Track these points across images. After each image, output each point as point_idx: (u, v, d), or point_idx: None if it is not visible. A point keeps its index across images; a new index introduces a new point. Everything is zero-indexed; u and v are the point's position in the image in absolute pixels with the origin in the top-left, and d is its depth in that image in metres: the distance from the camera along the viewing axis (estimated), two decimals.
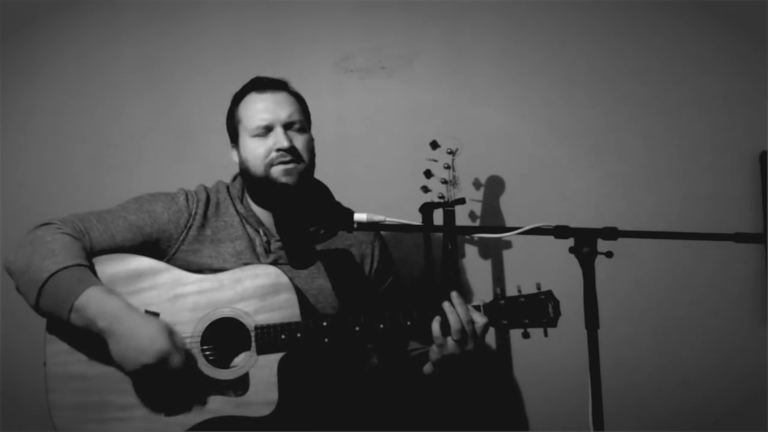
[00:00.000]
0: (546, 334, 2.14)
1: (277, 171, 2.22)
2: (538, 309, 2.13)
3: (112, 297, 2.02)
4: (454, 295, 2.12)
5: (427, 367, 2.20)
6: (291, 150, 2.22)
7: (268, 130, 2.23)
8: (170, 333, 2.02)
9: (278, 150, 2.21)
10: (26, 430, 2.73)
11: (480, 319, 2.11)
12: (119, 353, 2.00)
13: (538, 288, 2.15)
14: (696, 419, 2.87)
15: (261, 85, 2.29)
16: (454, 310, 2.09)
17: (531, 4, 2.94)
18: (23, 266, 2.04)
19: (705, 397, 2.89)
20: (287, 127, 2.24)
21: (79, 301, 1.99)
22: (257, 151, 2.23)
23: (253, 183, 2.27)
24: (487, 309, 2.14)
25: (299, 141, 2.25)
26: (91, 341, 2.04)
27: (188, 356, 2.06)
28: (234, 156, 2.33)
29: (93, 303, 1.99)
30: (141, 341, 1.98)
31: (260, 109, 2.25)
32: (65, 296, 2.00)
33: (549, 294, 2.14)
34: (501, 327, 2.15)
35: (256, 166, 2.24)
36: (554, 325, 2.13)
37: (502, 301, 2.14)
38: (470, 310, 2.11)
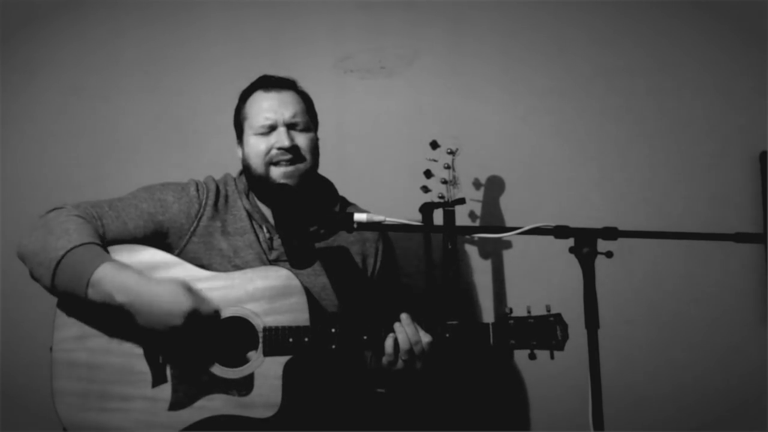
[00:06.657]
0: (552, 357, 2.13)
1: (276, 171, 2.23)
2: (547, 331, 2.12)
3: (125, 270, 2.04)
4: (403, 316, 2.12)
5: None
6: (291, 149, 2.22)
7: (271, 128, 2.24)
8: (189, 289, 2.04)
9: (279, 148, 2.22)
10: (26, 430, 2.73)
11: (424, 338, 2.11)
12: (147, 323, 2.02)
13: (548, 310, 2.14)
14: (696, 419, 2.87)
15: (268, 83, 2.30)
16: (403, 329, 2.10)
17: (531, 4, 2.94)
18: (38, 248, 2.04)
19: (705, 397, 2.89)
20: (291, 126, 2.25)
21: (95, 276, 2.00)
22: (258, 149, 2.24)
23: (253, 180, 2.27)
24: (495, 328, 2.13)
25: (302, 140, 2.25)
26: (106, 318, 2.06)
27: (212, 305, 2.08)
28: (239, 152, 2.34)
29: (108, 277, 2.01)
30: (164, 306, 2.01)
31: (265, 107, 2.26)
32: (81, 272, 2.01)
33: (558, 317, 2.13)
34: (509, 347, 2.13)
35: (257, 164, 2.24)
36: (561, 348, 2.12)
37: (511, 321, 2.13)
38: (418, 331, 2.10)
